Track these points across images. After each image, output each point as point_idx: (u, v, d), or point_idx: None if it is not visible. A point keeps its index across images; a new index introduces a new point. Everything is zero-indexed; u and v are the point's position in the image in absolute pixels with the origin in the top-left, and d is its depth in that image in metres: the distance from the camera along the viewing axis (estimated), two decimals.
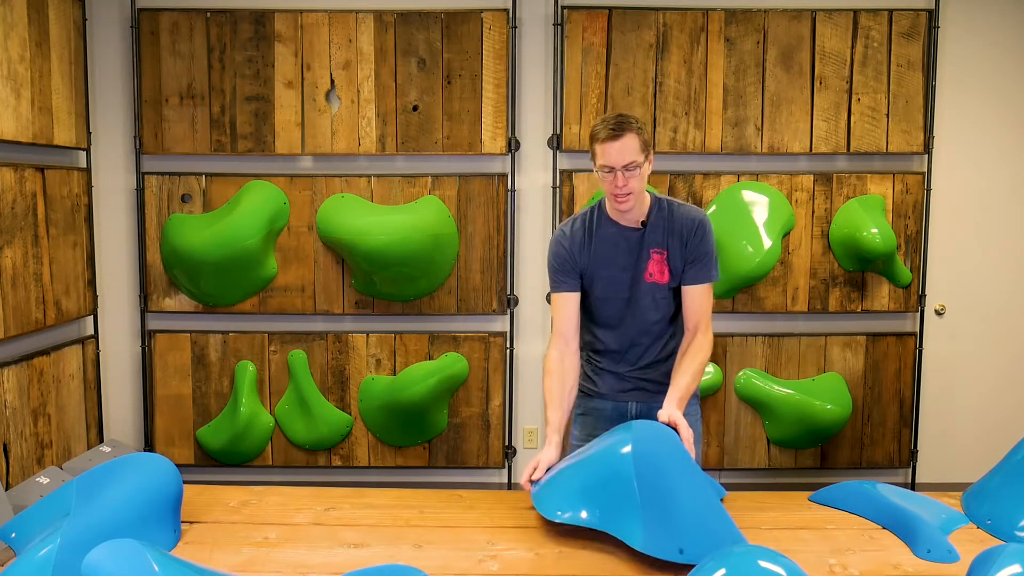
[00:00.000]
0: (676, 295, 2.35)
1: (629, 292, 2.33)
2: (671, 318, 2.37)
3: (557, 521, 1.95)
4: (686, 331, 2.35)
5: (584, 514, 1.94)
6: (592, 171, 3.82)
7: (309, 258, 3.92)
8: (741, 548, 1.63)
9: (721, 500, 2.15)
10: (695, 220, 2.31)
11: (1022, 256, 4.03)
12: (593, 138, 2.23)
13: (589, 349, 2.46)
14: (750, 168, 3.94)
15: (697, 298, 2.32)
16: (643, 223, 2.31)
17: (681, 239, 2.29)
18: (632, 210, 2.28)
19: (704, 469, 2.12)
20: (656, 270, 2.31)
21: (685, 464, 1.94)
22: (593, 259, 2.34)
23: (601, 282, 2.35)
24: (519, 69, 3.90)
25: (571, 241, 2.35)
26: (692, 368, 2.25)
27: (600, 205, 2.38)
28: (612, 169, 2.19)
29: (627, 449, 1.94)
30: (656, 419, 2.14)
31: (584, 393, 2.49)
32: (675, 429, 2.08)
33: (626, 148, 2.17)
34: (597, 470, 1.98)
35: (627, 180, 2.18)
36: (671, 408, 2.13)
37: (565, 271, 2.36)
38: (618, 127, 2.17)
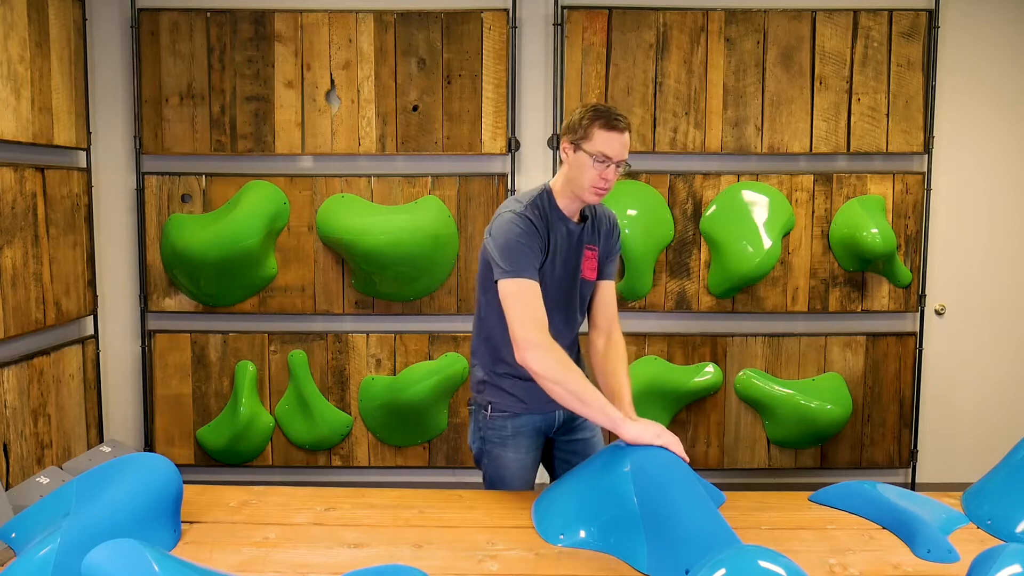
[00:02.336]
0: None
1: (569, 289, 2.26)
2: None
3: (559, 546, 1.94)
4: (597, 329, 2.32)
5: (584, 535, 1.94)
6: None
7: (309, 258, 3.92)
8: (741, 548, 1.63)
9: (721, 505, 2.15)
10: (612, 216, 2.36)
11: (1022, 256, 4.04)
12: (594, 121, 2.09)
13: (507, 361, 2.21)
14: (750, 168, 3.94)
15: (610, 293, 2.34)
16: (583, 218, 2.27)
17: (605, 235, 2.31)
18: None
19: (704, 470, 2.11)
20: (588, 267, 2.28)
21: (684, 477, 1.90)
22: (550, 254, 2.18)
23: (552, 281, 2.19)
24: (519, 69, 3.90)
25: (535, 226, 2.14)
26: (626, 371, 2.26)
27: (548, 195, 2.20)
28: (608, 160, 2.10)
29: (626, 467, 1.94)
30: (581, 426, 2.15)
31: (510, 414, 2.30)
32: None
33: (626, 144, 2.13)
34: (597, 490, 1.97)
35: (615, 176, 2.14)
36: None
37: (535, 252, 2.11)
38: (623, 121, 2.12)
